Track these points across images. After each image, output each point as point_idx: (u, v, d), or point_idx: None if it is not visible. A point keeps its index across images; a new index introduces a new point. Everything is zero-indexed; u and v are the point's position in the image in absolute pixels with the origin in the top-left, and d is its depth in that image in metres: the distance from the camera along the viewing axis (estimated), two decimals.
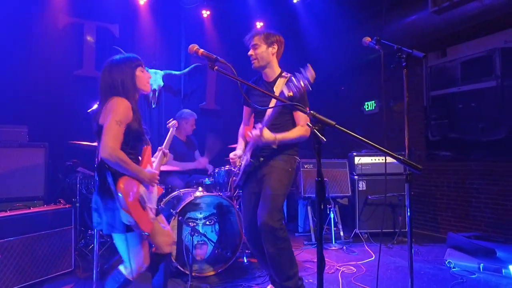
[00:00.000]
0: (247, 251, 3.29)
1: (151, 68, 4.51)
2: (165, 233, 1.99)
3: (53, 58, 4.01)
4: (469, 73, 4.22)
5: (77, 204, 3.33)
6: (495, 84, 3.96)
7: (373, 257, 3.35)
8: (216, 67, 1.64)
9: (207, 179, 3.44)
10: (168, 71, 4.64)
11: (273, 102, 2.16)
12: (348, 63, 5.29)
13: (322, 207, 1.30)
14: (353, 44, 5.00)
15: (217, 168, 3.37)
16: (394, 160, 1.23)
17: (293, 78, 1.71)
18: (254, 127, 2.17)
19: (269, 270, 2.27)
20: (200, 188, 3.11)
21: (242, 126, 2.55)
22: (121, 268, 1.88)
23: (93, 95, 3.86)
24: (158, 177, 1.92)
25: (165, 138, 2.25)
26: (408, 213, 1.77)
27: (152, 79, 4.49)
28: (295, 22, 5.16)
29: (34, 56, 3.92)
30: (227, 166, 3.34)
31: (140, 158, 1.92)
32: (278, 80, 2.23)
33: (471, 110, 4.17)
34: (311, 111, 1.32)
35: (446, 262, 3.04)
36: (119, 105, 1.73)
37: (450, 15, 3.75)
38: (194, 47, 1.74)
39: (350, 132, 1.30)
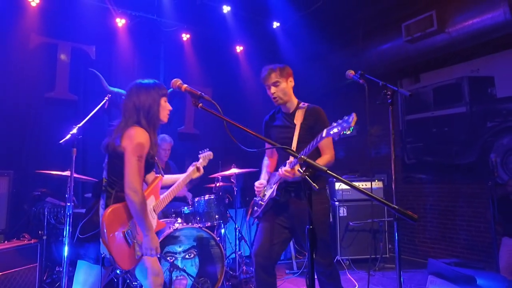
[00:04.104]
0: (227, 283, 3.16)
1: None
2: (159, 273, 1.86)
3: (22, 79, 3.76)
4: (441, 99, 4.41)
5: (44, 237, 3.08)
6: (465, 110, 4.15)
7: (356, 286, 3.30)
8: (201, 105, 1.58)
9: (186, 208, 3.31)
10: None
11: (296, 131, 2.18)
12: (326, 86, 5.39)
13: (313, 256, 1.24)
14: (331, 68, 5.12)
15: (197, 198, 3.25)
16: (374, 185, 1.23)
17: (334, 124, 1.76)
18: (283, 163, 2.12)
19: None
20: (179, 219, 2.97)
21: (265, 157, 2.49)
22: None
23: (65, 119, 3.71)
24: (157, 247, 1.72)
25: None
26: (397, 254, 1.75)
27: None
28: (274, 47, 5.22)
29: None
30: (207, 195, 3.23)
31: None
32: (297, 112, 2.25)
33: (444, 134, 4.33)
34: (302, 156, 1.28)
35: None
36: (141, 137, 1.68)
37: (422, 45, 3.94)
38: (177, 81, 1.68)
39: (344, 179, 1.26)
